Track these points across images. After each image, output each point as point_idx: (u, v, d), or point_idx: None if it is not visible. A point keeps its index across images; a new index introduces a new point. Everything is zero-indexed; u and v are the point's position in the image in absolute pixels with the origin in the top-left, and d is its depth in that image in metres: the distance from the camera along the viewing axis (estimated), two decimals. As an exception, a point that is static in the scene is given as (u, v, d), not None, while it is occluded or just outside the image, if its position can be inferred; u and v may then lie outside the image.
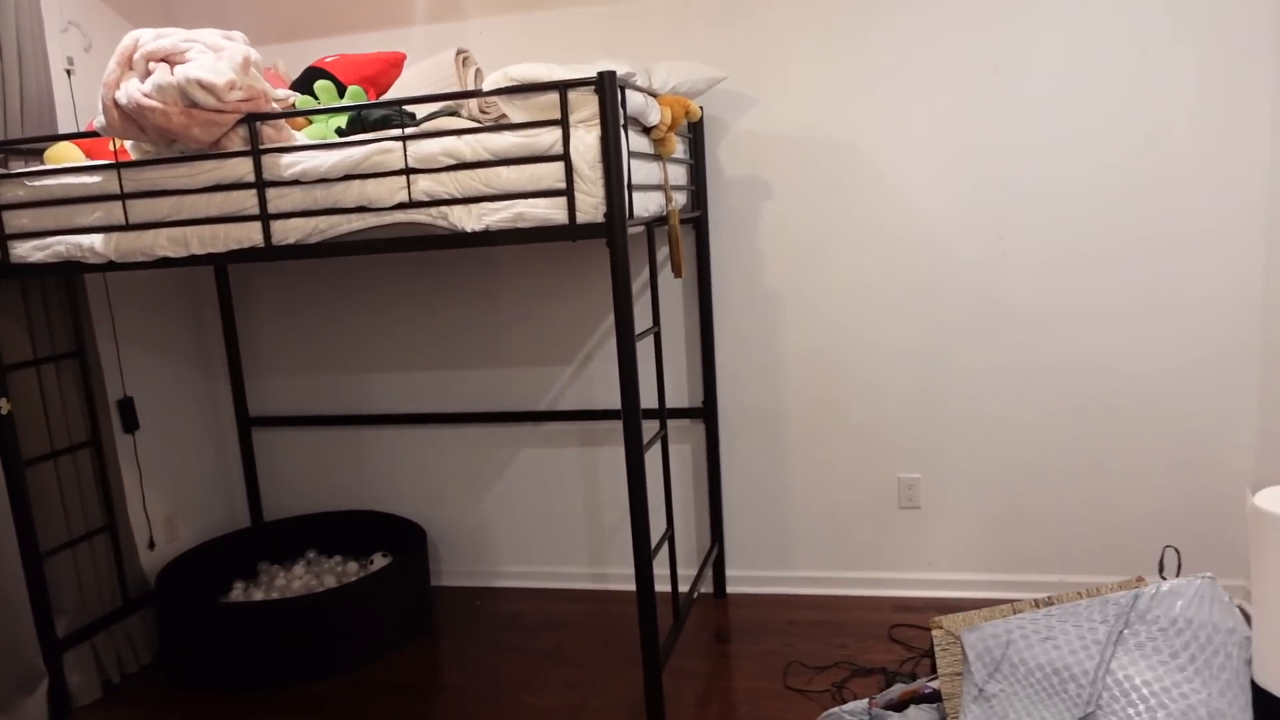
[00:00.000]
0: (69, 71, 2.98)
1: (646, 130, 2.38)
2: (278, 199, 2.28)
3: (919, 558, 3.15)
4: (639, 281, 3.18)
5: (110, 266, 2.44)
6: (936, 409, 3.04)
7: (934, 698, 1.97)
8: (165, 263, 2.40)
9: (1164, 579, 1.55)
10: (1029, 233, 2.88)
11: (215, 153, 2.29)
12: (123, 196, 2.38)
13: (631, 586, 3.39)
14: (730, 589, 3.29)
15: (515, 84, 2.06)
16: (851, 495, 3.16)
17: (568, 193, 2.07)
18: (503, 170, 2.11)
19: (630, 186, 2.15)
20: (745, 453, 3.22)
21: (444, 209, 2.16)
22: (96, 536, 2.90)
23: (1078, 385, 2.93)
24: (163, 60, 2.24)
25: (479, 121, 2.31)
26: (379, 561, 3.32)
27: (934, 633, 1.85)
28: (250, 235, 2.31)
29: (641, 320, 3.17)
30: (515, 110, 2.11)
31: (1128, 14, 2.71)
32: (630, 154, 2.17)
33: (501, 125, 2.12)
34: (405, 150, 2.15)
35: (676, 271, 2.46)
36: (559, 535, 3.42)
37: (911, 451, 3.09)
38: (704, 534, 3.30)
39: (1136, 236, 2.81)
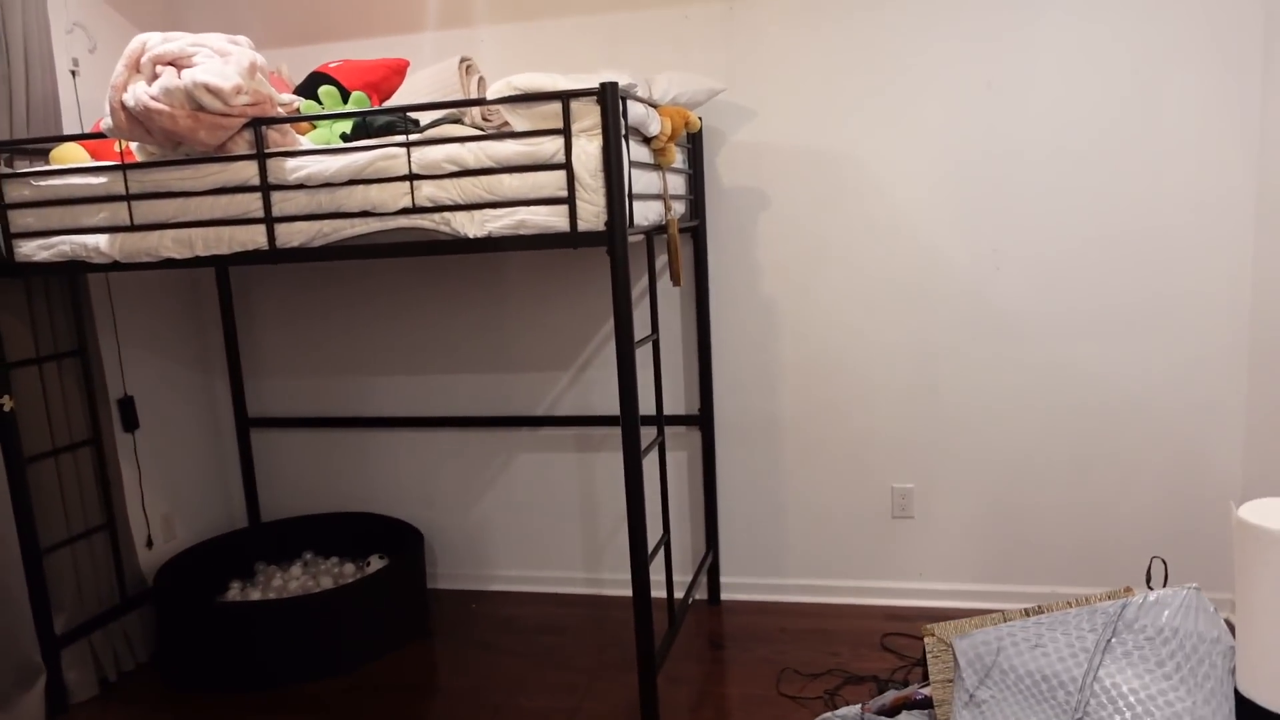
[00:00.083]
0: (74, 73, 3.01)
1: (647, 140, 2.41)
2: (282, 202, 2.31)
3: (912, 567, 3.17)
4: (638, 289, 3.21)
5: (115, 267, 2.46)
6: (930, 419, 3.07)
7: (926, 704, 1.99)
8: (169, 264, 2.42)
9: (1151, 589, 1.58)
10: (1022, 245, 2.91)
11: (221, 156, 2.32)
12: (128, 198, 2.41)
13: (627, 591, 3.41)
14: (725, 595, 3.31)
15: (519, 93, 2.09)
16: (845, 504, 3.18)
17: (569, 201, 2.10)
18: (505, 178, 2.14)
19: (631, 195, 2.18)
20: (741, 460, 3.24)
21: (447, 215, 2.19)
22: (96, 534, 2.92)
23: (1069, 397, 2.96)
24: (170, 64, 2.27)
25: (482, 129, 2.34)
26: (376, 563, 3.34)
27: (926, 640, 1.88)
28: (254, 238, 2.34)
29: (640, 328, 3.20)
30: (518, 119, 2.14)
31: (1119, 34, 2.75)
32: (631, 163, 2.20)
33: (504, 133, 2.15)
34: (409, 156, 2.18)
35: (675, 280, 2.49)
36: (555, 539, 3.44)
37: (905, 461, 3.11)
38: (699, 540, 3.33)
39: (1127, 251, 2.85)
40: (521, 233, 2.15)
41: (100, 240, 2.44)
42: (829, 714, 2.14)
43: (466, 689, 2.78)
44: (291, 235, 2.31)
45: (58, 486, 2.79)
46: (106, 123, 2.31)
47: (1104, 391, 2.93)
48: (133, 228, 2.41)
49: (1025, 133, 2.86)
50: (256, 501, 3.64)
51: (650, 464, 3.17)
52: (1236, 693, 1.43)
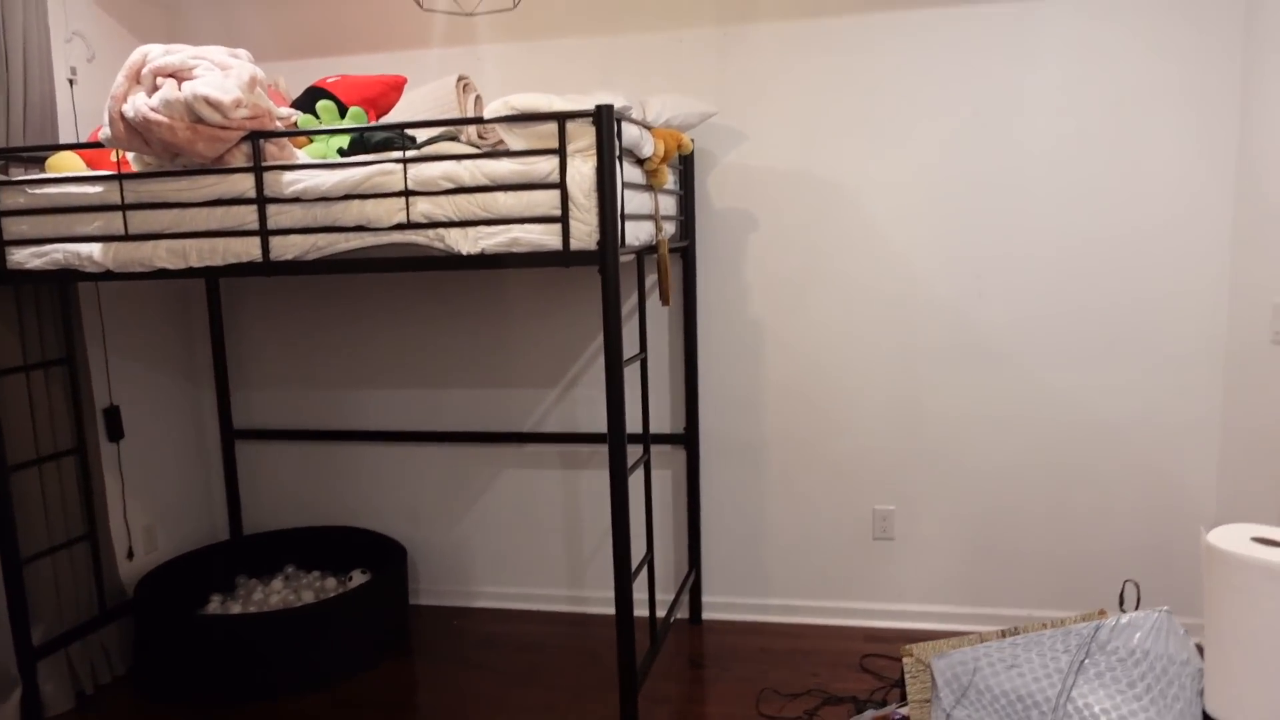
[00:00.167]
0: (72, 81, 3.02)
1: (640, 161, 2.46)
2: (277, 215, 2.33)
3: (891, 589, 3.20)
4: (626, 307, 3.24)
5: (108, 276, 2.47)
6: (912, 442, 3.11)
7: (903, 724, 2.02)
8: (163, 274, 2.43)
9: (1124, 612, 1.61)
10: (1004, 271, 2.97)
11: (218, 168, 2.34)
12: (123, 207, 2.42)
13: (608, 610, 3.42)
14: (706, 615, 3.33)
15: (516, 113, 2.13)
16: (827, 525, 3.21)
17: (563, 220, 2.13)
18: (500, 195, 2.17)
19: (623, 215, 2.22)
20: (725, 480, 3.27)
21: (441, 231, 2.22)
22: (76, 545, 2.90)
23: (1047, 424, 3.01)
24: (170, 76, 2.30)
25: (478, 147, 2.37)
26: (358, 578, 3.33)
27: (905, 660, 1.91)
28: (249, 250, 2.35)
29: (628, 346, 3.23)
30: (514, 138, 2.18)
31: (1101, 65, 2.83)
32: (624, 184, 2.24)
33: (500, 152, 2.18)
34: (405, 172, 2.21)
35: (664, 299, 2.53)
36: (538, 557, 3.45)
37: (887, 484, 3.15)
38: (682, 560, 3.34)
39: (1107, 279, 2.91)
40: (515, 250, 2.18)
41: (94, 249, 2.45)
42: (809, 733, 2.16)
43: (446, 707, 2.78)
44: (286, 248, 2.33)
45: (40, 495, 2.78)
46: (105, 133, 2.33)
47: (1082, 417, 2.99)
48: (127, 237, 2.42)
49: (1008, 160, 2.93)
50: (239, 514, 3.63)
51: (635, 482, 3.19)
52: (1204, 714, 1.47)
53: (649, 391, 3.25)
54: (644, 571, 3.19)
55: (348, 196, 2.26)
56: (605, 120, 2.09)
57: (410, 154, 2.23)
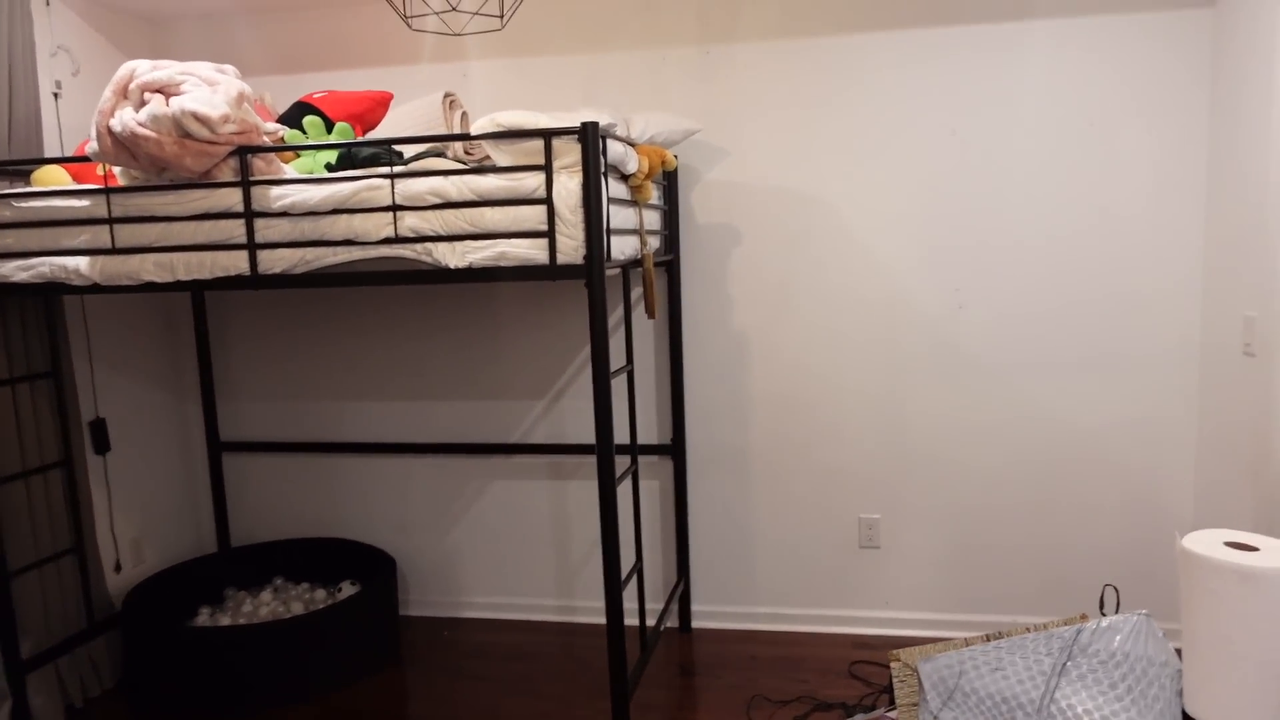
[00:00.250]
0: (56, 95, 3.03)
1: (625, 177, 2.49)
2: (265, 229, 2.34)
3: (878, 596, 3.23)
4: (613, 320, 3.27)
5: (94, 289, 2.47)
6: (896, 451, 3.15)
7: (890, 729, 2.04)
8: (150, 287, 2.44)
9: (1104, 615, 1.65)
10: (984, 286, 3.02)
11: (205, 182, 2.35)
12: (110, 221, 2.43)
13: (598, 619, 3.43)
14: (695, 623, 3.35)
15: (503, 130, 2.16)
16: (814, 534, 3.24)
17: (549, 234, 2.16)
18: (487, 211, 2.20)
19: (608, 230, 2.25)
20: (712, 490, 3.29)
21: (429, 245, 2.24)
22: (64, 558, 2.89)
23: (1029, 433, 3.06)
24: (158, 91, 2.31)
25: (464, 163, 2.40)
26: (347, 589, 3.34)
27: (892, 665, 1.93)
28: (237, 263, 2.36)
29: (615, 358, 3.25)
30: (501, 154, 2.20)
31: (1076, 84, 2.89)
32: (609, 200, 2.27)
33: (487, 168, 2.21)
34: (393, 187, 2.23)
35: (649, 312, 2.56)
36: (527, 567, 3.46)
37: (872, 492, 3.19)
38: (670, 569, 3.36)
39: (1083, 295, 2.97)
40: (502, 264, 2.21)
41: (81, 262, 2.45)
42: (797, 739, 2.18)
43: (438, 717, 2.79)
44: (274, 262, 2.34)
45: (27, 509, 2.77)
46: (92, 147, 2.34)
47: (1062, 428, 3.03)
48: (114, 251, 2.43)
49: (987, 179, 2.98)
50: (227, 526, 3.63)
51: (623, 492, 3.21)
52: (1183, 713, 1.50)
53: (636, 403, 3.27)
54: (633, 580, 3.21)
55: (336, 211, 2.28)
56: (590, 137, 2.11)
57: (398, 169, 2.25)
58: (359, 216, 2.27)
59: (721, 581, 3.33)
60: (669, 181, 3.08)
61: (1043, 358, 3.02)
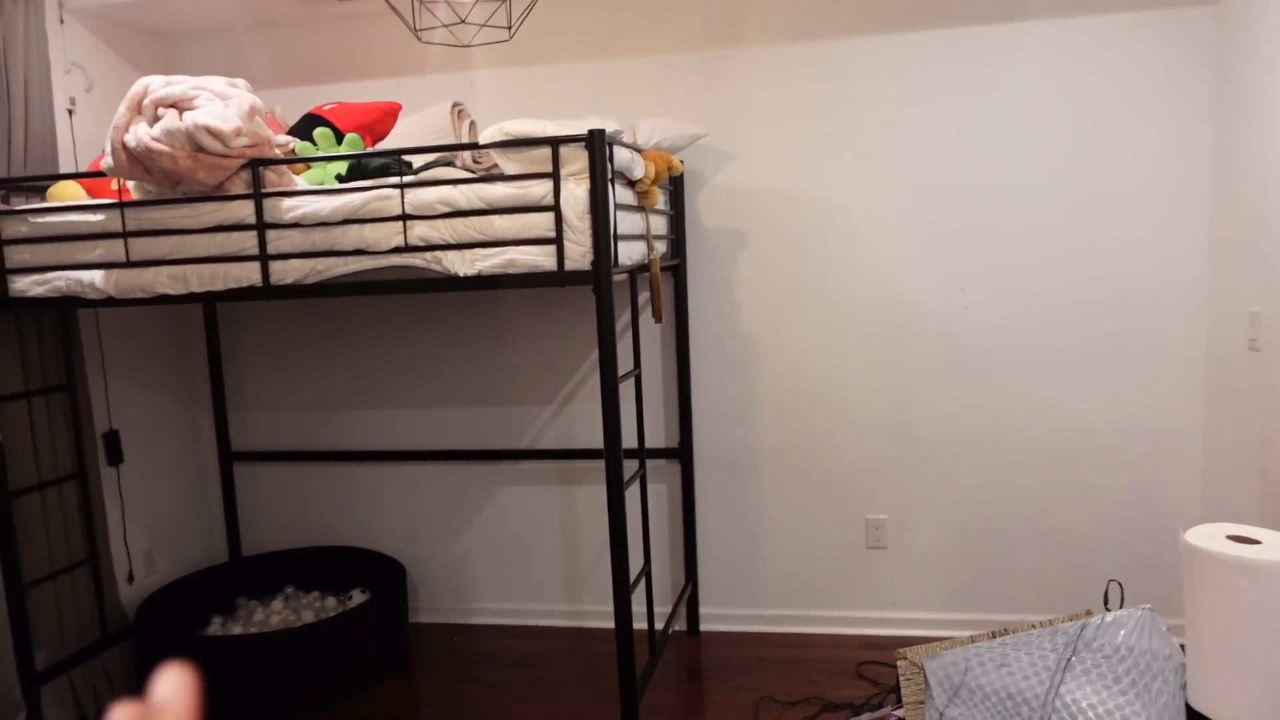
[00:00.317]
0: (71, 111, 3.08)
1: (631, 183, 2.52)
2: (277, 240, 2.38)
3: (885, 597, 3.25)
4: (620, 325, 3.30)
5: (109, 302, 2.51)
6: (903, 451, 3.17)
7: (899, 728, 2.06)
8: (164, 299, 2.48)
9: (1108, 611, 1.67)
10: (988, 285, 3.05)
11: (218, 195, 2.39)
12: (125, 234, 2.47)
13: (607, 624, 3.45)
14: (704, 626, 3.37)
15: (511, 138, 2.19)
16: (821, 535, 3.26)
17: (557, 241, 2.19)
18: (495, 219, 2.23)
19: (616, 236, 2.28)
20: (719, 493, 3.32)
21: (438, 254, 2.27)
22: (78, 569, 2.93)
23: (1035, 430, 3.07)
24: (171, 106, 2.35)
25: (472, 171, 2.43)
26: (357, 597, 3.36)
27: (899, 663, 1.95)
28: (249, 274, 2.40)
29: (622, 363, 3.28)
30: (509, 162, 2.24)
31: (1080, 86, 2.91)
32: (616, 205, 2.30)
33: (495, 176, 2.24)
34: (403, 197, 2.27)
35: (657, 316, 2.58)
36: (536, 572, 3.48)
37: (879, 493, 3.20)
38: (678, 572, 3.38)
39: (1089, 291, 2.99)
40: (510, 271, 2.24)
41: (96, 276, 2.49)
42: (807, 739, 2.20)
43: (449, 720, 2.81)
44: (286, 272, 2.38)
45: (42, 521, 2.81)
46: (107, 162, 2.38)
47: (1068, 426, 3.05)
48: (128, 264, 2.47)
49: (991, 178, 3.00)
50: (238, 535, 3.66)
51: (631, 496, 3.24)
52: (1188, 706, 1.52)
53: (644, 407, 3.30)
54: (642, 584, 3.23)
55: (346, 221, 2.31)
56: (598, 144, 2.15)
57: (408, 179, 2.29)
58: (369, 226, 2.30)
59: (729, 584, 3.35)
60: (675, 186, 3.12)
61: (1048, 356, 3.04)
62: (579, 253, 2.19)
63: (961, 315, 3.07)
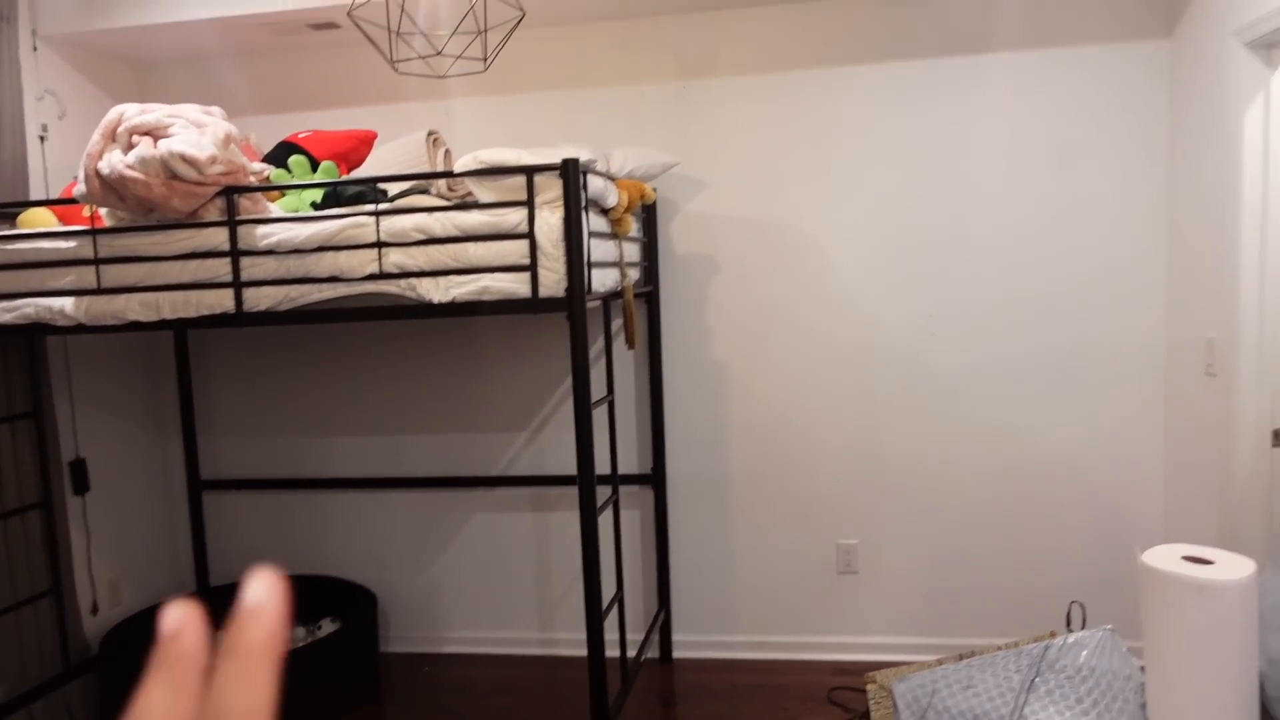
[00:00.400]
0: (43, 138, 3.07)
1: (605, 211, 2.56)
2: (251, 267, 2.38)
3: (856, 622, 3.27)
4: (594, 351, 3.32)
5: (79, 329, 2.49)
6: (872, 476, 3.21)
7: (870, 751, 2.07)
8: (135, 326, 2.47)
9: (1071, 632, 1.70)
10: (955, 311, 3.11)
11: (192, 222, 2.40)
12: (96, 262, 2.46)
13: (580, 651, 3.44)
14: (676, 653, 3.37)
15: (485, 166, 2.22)
16: (793, 560, 3.28)
17: (531, 268, 2.22)
18: (470, 246, 2.25)
19: (589, 263, 2.31)
20: (692, 519, 3.33)
21: (413, 281, 2.29)
22: (40, 600, 2.88)
23: (1000, 453, 3.13)
24: (146, 134, 2.36)
25: (447, 199, 2.46)
26: (327, 627, 3.33)
27: (869, 687, 1.97)
28: (222, 301, 2.40)
29: (596, 389, 3.30)
30: (484, 191, 2.27)
31: (1043, 116, 3.01)
32: (590, 233, 2.33)
33: (470, 204, 2.27)
34: (378, 225, 2.28)
35: (630, 343, 2.61)
36: (509, 600, 3.47)
37: (849, 518, 3.24)
38: (651, 598, 3.39)
39: (1052, 316, 3.06)
40: (485, 298, 2.26)
41: (66, 303, 2.48)
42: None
43: (420, 751, 2.78)
44: (259, 299, 2.38)
45: (4, 550, 2.76)
46: (80, 189, 2.38)
47: (1032, 449, 3.11)
48: (100, 291, 2.46)
49: (957, 206, 3.08)
50: (206, 565, 3.61)
51: (604, 523, 3.24)
52: (1149, 725, 1.55)
53: (617, 433, 3.32)
54: (614, 611, 3.23)
55: (321, 248, 2.33)
56: (571, 173, 2.18)
57: (383, 206, 2.31)
58: (344, 253, 2.31)
59: (702, 610, 3.35)
60: (648, 214, 3.16)
61: (1013, 380, 3.10)
62: (553, 280, 2.22)
63: (928, 341, 3.13)
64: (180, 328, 2.47)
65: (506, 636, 3.48)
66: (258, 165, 2.61)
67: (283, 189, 2.40)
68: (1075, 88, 2.98)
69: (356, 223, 2.30)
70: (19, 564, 2.80)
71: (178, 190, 2.31)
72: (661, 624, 3.29)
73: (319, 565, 3.59)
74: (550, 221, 2.21)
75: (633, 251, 2.91)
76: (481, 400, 3.41)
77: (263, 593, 0.28)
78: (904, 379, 3.16)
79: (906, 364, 3.15)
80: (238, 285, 2.38)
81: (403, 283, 2.30)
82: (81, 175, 2.36)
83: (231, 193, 2.37)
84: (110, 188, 2.35)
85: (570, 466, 3.38)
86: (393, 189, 2.56)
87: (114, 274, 2.46)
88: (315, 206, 2.51)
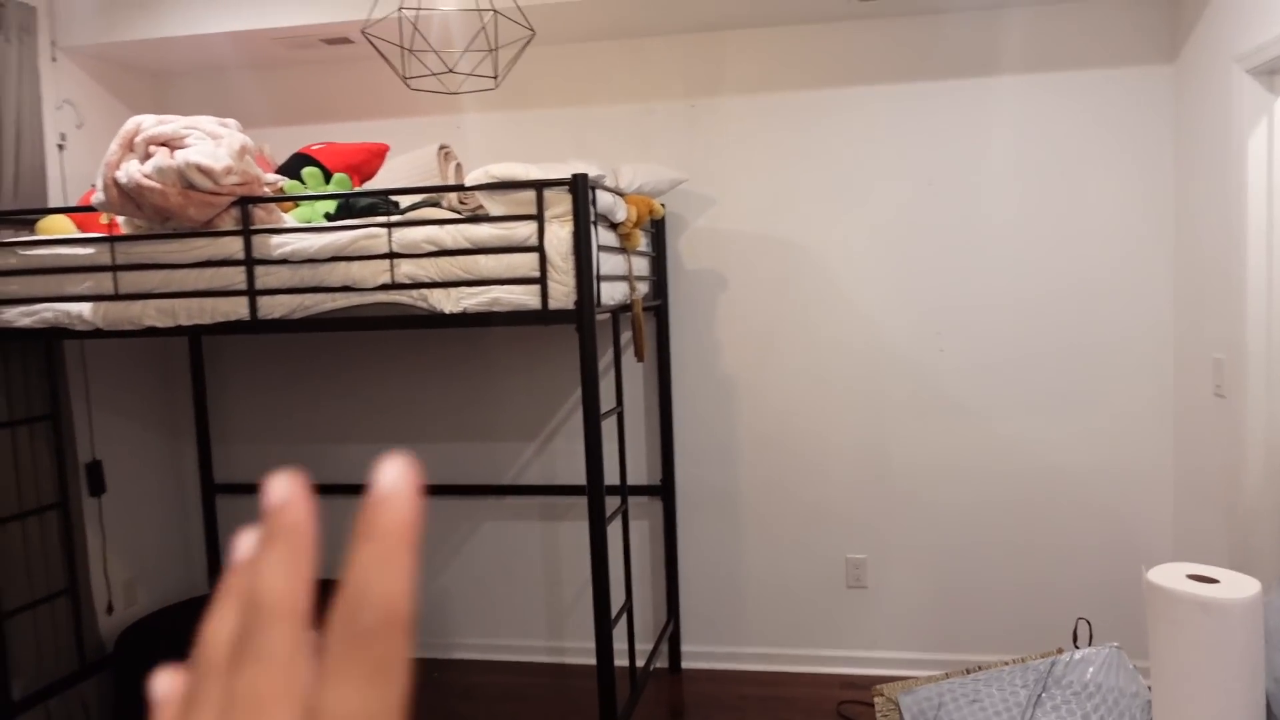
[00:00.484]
0: (61, 147, 3.11)
1: (614, 226, 2.58)
2: (265, 276, 2.41)
3: (865, 636, 3.26)
4: (603, 363, 3.34)
5: (97, 334, 2.53)
6: (881, 492, 3.21)
7: (874, 765, 2.07)
8: (151, 332, 2.50)
9: (1077, 648, 1.70)
10: (964, 330, 3.11)
11: (208, 231, 2.43)
12: (114, 268, 2.50)
13: (589, 660, 3.45)
14: (685, 664, 3.37)
15: (496, 181, 2.24)
16: (802, 574, 3.29)
17: (541, 281, 2.24)
18: (481, 258, 2.28)
19: (598, 277, 2.33)
20: (701, 530, 3.34)
21: (424, 291, 2.32)
22: (58, 599, 2.91)
23: (1009, 472, 3.12)
24: (163, 144, 2.39)
25: (458, 212, 2.48)
26: (337, 631, 3.34)
27: (876, 700, 1.98)
28: (237, 309, 2.43)
29: (605, 401, 3.31)
30: (495, 204, 2.29)
31: (1048, 136, 3.01)
32: (599, 247, 2.35)
33: (481, 217, 2.29)
34: (390, 236, 2.31)
35: (639, 355, 2.63)
36: (518, 608, 3.48)
37: (859, 533, 3.24)
38: (660, 609, 3.39)
39: (1060, 338, 3.06)
40: (495, 310, 2.28)
41: (84, 308, 2.52)
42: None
43: (427, 757, 2.79)
44: (273, 308, 2.41)
45: (22, 550, 2.80)
46: (98, 197, 2.42)
47: (1042, 467, 3.10)
48: (117, 297, 2.49)
49: (964, 225, 3.08)
50: (219, 567, 3.64)
51: (613, 533, 3.25)
52: (1153, 744, 1.55)
53: (626, 444, 3.33)
54: (623, 621, 3.24)
55: (334, 258, 2.35)
56: (581, 188, 2.21)
57: (395, 219, 2.34)
58: (357, 264, 2.34)
59: (711, 622, 3.36)
60: (657, 229, 3.18)
61: (1022, 400, 3.09)
62: (562, 292, 2.24)
63: (936, 359, 3.13)
64: (195, 334, 2.50)
65: (515, 644, 3.49)
66: (272, 176, 2.65)
67: (296, 200, 2.43)
68: (1080, 112, 2.98)
69: (369, 234, 2.32)
70: (36, 563, 2.84)
71: (193, 200, 2.35)
72: (670, 634, 3.29)
73: (330, 569, 3.60)
74: (560, 235, 2.23)
75: (642, 266, 2.93)
76: (492, 410, 3.43)
77: (397, 478, 0.27)
78: (912, 395, 3.16)
79: (914, 380, 3.15)
80: (252, 293, 2.42)
81: (414, 293, 2.32)
82: (100, 184, 2.40)
83: (246, 203, 2.41)
84: (128, 196, 2.39)
85: (580, 476, 3.39)
86: (405, 201, 2.59)
87: (131, 280, 2.49)
88: (328, 217, 2.54)
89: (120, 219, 2.53)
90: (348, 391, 3.53)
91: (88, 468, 3.14)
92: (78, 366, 3.13)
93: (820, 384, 3.21)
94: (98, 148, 3.21)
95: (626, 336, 3.29)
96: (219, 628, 0.28)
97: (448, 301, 2.30)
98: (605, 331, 3.30)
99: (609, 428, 3.26)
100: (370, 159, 2.91)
